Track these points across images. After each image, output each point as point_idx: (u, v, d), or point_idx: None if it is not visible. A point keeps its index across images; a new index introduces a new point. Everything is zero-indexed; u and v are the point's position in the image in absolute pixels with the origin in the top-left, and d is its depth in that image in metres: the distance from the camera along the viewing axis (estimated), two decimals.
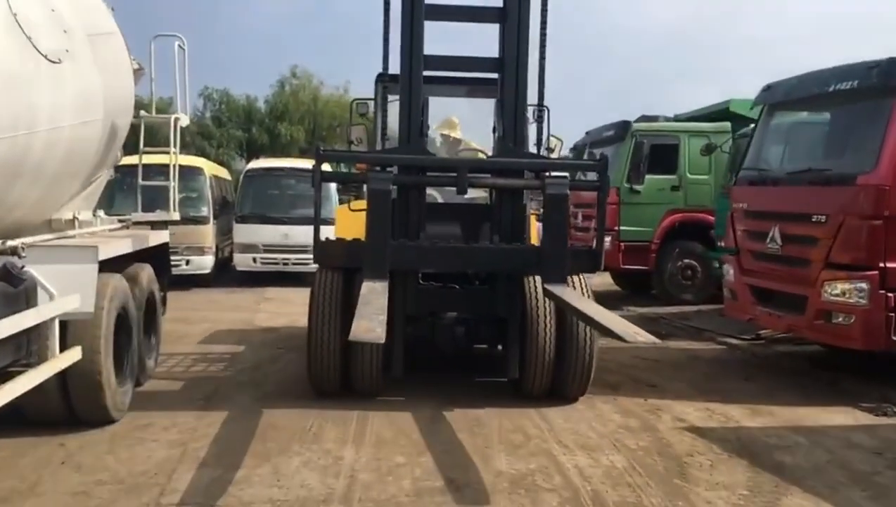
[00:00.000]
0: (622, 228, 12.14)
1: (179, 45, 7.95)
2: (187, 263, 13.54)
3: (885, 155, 6.33)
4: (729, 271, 8.16)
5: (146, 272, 6.59)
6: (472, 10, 6.26)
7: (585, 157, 13.78)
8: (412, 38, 5.79)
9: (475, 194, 6.68)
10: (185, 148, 39.11)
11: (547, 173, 6.09)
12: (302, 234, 13.70)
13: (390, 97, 6.57)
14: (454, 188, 6.13)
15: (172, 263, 12.85)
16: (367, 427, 5.45)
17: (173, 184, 7.69)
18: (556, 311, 5.92)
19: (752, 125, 11.69)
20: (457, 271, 6.16)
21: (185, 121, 8.24)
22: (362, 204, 6.38)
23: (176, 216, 7.75)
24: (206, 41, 70.60)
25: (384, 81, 6.50)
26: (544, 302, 5.89)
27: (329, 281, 5.91)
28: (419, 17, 5.82)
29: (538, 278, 5.90)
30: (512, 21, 5.90)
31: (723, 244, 11.30)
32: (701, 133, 12.23)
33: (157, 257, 7.05)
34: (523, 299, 5.96)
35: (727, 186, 11.36)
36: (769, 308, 7.43)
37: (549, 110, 6.47)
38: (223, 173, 17.84)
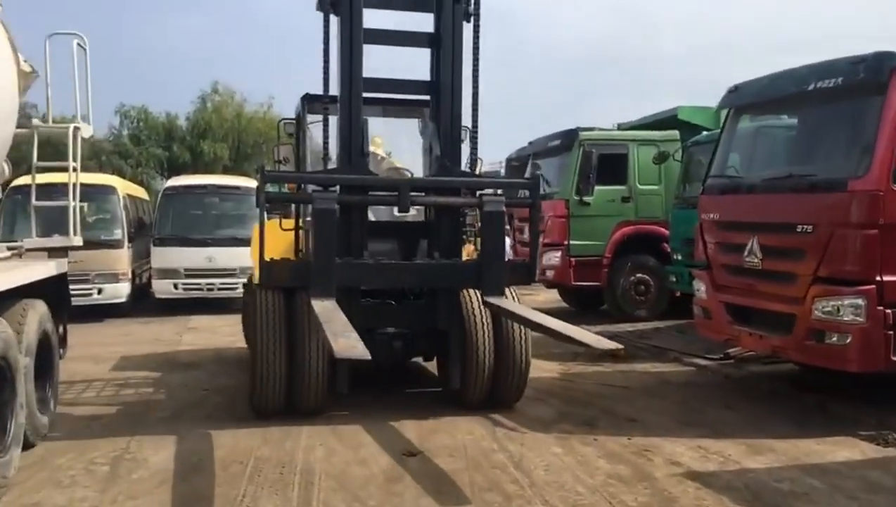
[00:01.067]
0: (572, 242, 11.50)
1: (79, 45, 6.91)
2: (99, 291, 12.28)
3: (878, 158, 5.76)
4: (700, 288, 7.52)
5: (37, 310, 5.48)
6: (409, 35, 6.44)
7: (528, 169, 13.16)
8: (351, 61, 5.90)
9: (406, 213, 6.62)
10: (102, 168, 37.46)
11: (482, 191, 6.31)
12: (227, 256, 12.71)
13: (311, 117, 6.91)
14: (386, 207, 6.51)
15: (82, 292, 11.83)
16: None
17: (74, 204, 6.62)
18: (492, 322, 6.21)
19: (705, 132, 11.37)
20: (399, 287, 6.33)
21: (87, 131, 7.17)
22: (291, 223, 6.85)
23: (78, 241, 6.66)
24: (119, 57, 68.25)
25: (309, 102, 6.79)
26: (482, 314, 6.18)
27: (271, 302, 5.87)
28: (358, 41, 5.93)
29: (473, 292, 6.22)
30: (446, 46, 6.12)
31: (678, 257, 10.86)
32: (650, 142, 11.73)
33: (53, 289, 5.95)
34: (461, 311, 6.21)
35: (680, 197, 10.89)
36: (750, 328, 6.78)
37: (476, 131, 6.46)
38: (140, 193, 16.52)
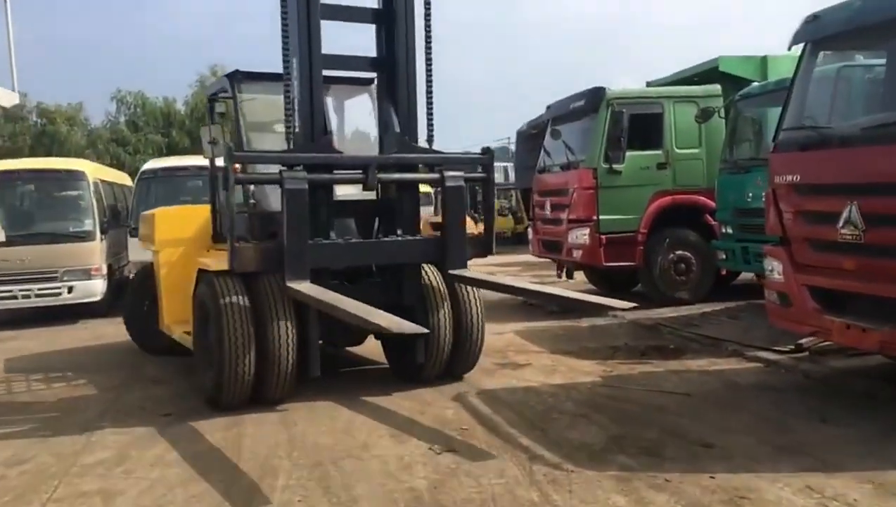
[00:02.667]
0: (602, 217, 10.03)
1: None
2: (69, 290, 10.95)
3: None
4: (774, 268, 6.06)
5: None
6: (364, 10, 6.38)
7: (546, 136, 11.70)
8: (310, 37, 5.84)
9: (350, 191, 6.64)
10: (99, 157, 36.23)
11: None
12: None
13: (243, 96, 6.74)
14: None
15: (49, 292, 10.49)
16: None
17: None
18: (449, 296, 6.38)
19: (755, 84, 9.86)
20: (362, 266, 6.30)
21: (7, 100, 5.74)
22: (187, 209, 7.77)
23: None
24: (115, 42, 66.89)
25: (240, 79, 6.72)
26: (441, 288, 6.36)
27: (234, 289, 5.70)
28: (315, 17, 5.88)
29: (429, 267, 6.41)
30: (400, 21, 6.17)
31: (727, 231, 9.40)
32: (689, 98, 10.22)
33: None
34: (422, 287, 6.28)
35: (728, 160, 9.41)
36: (847, 318, 5.33)
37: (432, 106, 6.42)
38: (119, 178, 15.11)
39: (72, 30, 65.22)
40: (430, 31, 6.23)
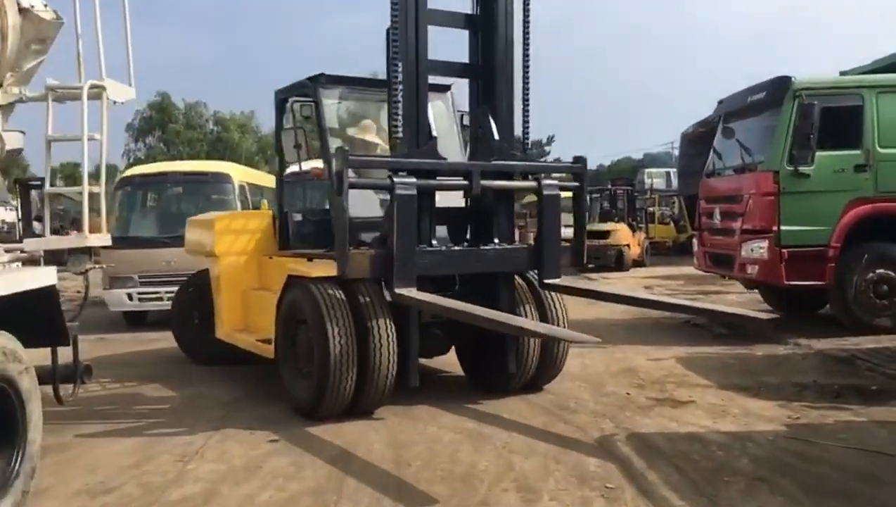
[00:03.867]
0: (784, 227, 8.57)
1: None
2: None
3: None
4: None
5: None
6: (464, 16, 6.29)
7: (718, 135, 10.35)
8: (417, 42, 5.78)
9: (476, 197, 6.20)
10: (269, 162, 37.64)
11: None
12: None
13: (326, 101, 6.50)
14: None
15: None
16: None
17: (88, 190, 4.83)
18: (537, 305, 6.31)
19: None
20: (463, 274, 6.15)
21: (122, 93, 5.37)
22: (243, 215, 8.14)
23: (98, 240, 4.91)
24: (285, 51, 70.05)
25: (324, 83, 6.43)
26: (530, 298, 6.31)
27: (336, 297, 5.58)
28: (424, 22, 5.85)
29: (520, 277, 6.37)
30: (500, 27, 6.12)
31: None
32: None
33: (28, 311, 4.12)
34: (514, 297, 6.18)
35: None
36: None
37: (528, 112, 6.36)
38: (266, 181, 15.11)
39: (247, 39, 68.92)
40: (528, 38, 6.12)
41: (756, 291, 10.68)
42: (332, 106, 6.71)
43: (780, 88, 8.86)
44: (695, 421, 5.56)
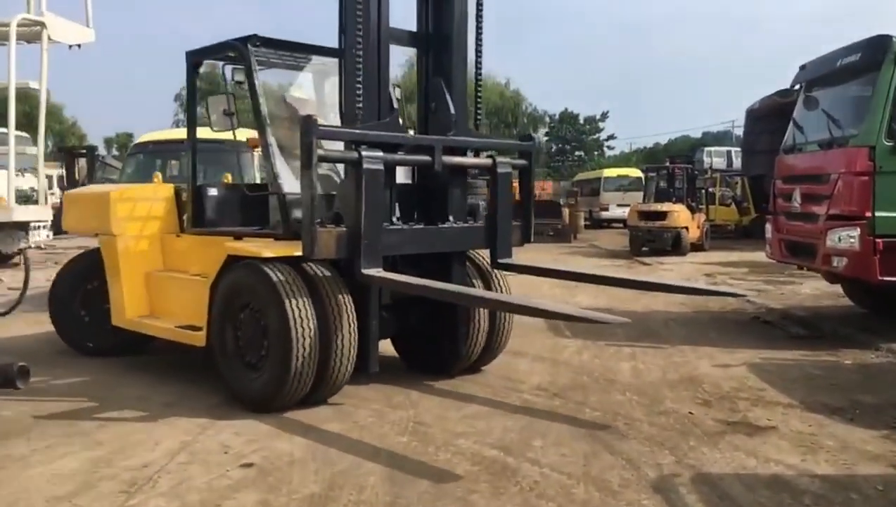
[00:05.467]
0: (879, 213, 7.24)
1: None
2: None
3: None
4: None
5: None
6: None
7: (798, 106, 9.02)
8: (380, 9, 5.47)
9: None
10: None
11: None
12: None
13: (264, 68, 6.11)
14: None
15: None
16: None
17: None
18: (483, 285, 6.21)
19: None
20: (423, 253, 5.82)
21: (72, 35, 4.41)
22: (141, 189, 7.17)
23: (30, 212, 3.99)
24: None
25: (256, 45, 5.90)
26: (478, 276, 6.23)
27: (294, 279, 5.13)
28: None
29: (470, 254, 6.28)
30: None
31: None
32: None
33: None
34: (465, 275, 6.09)
35: None
36: None
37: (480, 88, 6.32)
38: None
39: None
40: (481, 8, 5.88)
41: (839, 285, 9.34)
42: (265, 71, 6.19)
43: (878, 49, 7.47)
44: (778, 457, 4.38)
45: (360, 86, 5.24)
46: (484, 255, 6.34)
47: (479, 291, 5.92)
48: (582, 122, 60.51)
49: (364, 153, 5.14)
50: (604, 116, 60.93)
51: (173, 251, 6.59)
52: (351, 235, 5.18)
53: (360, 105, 5.26)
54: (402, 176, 5.99)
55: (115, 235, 6.50)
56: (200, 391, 5.75)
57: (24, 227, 4.01)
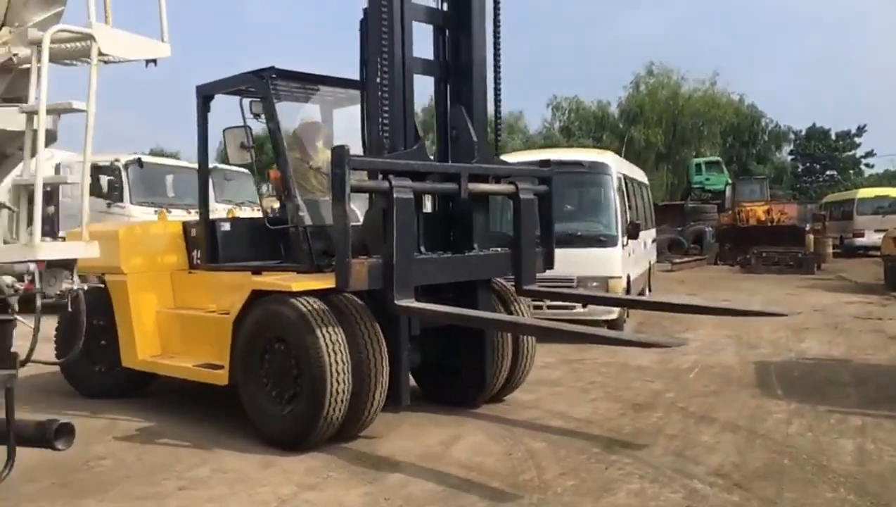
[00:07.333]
0: None
1: None
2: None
3: None
4: None
5: None
6: (443, 14, 5.92)
7: None
8: (404, 39, 5.48)
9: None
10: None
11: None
12: (563, 261, 8.93)
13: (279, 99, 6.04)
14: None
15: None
16: None
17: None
18: (504, 310, 6.16)
19: None
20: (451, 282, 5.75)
21: (153, 49, 3.99)
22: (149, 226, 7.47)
23: (73, 250, 3.53)
24: (552, 49, 69.21)
25: (274, 79, 5.85)
26: (502, 305, 6.18)
27: (326, 312, 5.00)
28: (409, 17, 5.57)
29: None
30: (477, 23, 5.84)
31: None
32: None
33: None
34: (491, 303, 6.05)
35: None
36: None
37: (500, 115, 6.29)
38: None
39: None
40: (499, 35, 5.99)
41: None
42: (282, 105, 6.16)
43: None
44: None
45: (387, 115, 5.27)
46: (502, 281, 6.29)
47: (515, 317, 5.96)
48: (834, 137, 54.42)
49: (395, 182, 5.08)
50: (860, 130, 54.13)
51: (185, 288, 6.43)
52: (383, 265, 5.11)
53: (387, 134, 5.28)
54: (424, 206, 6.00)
55: (124, 273, 6.34)
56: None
57: (69, 265, 3.55)
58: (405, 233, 5.13)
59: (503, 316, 5.85)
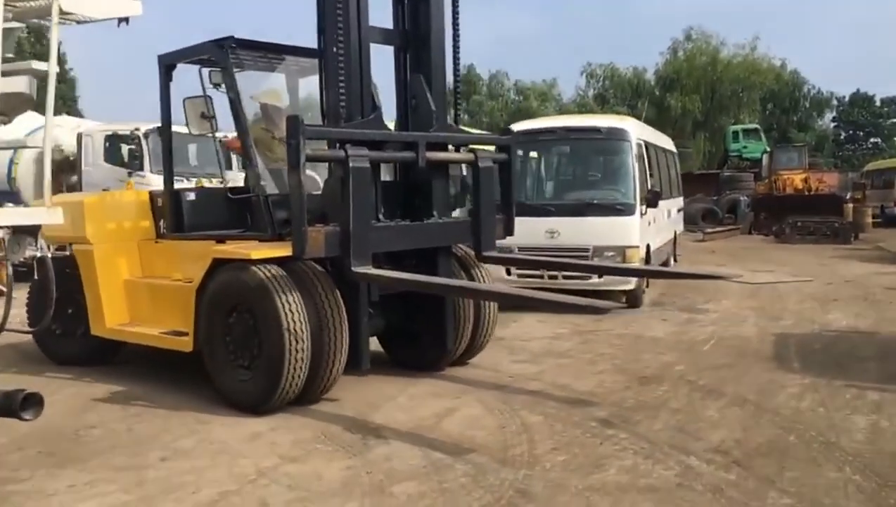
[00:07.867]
0: None
1: None
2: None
3: None
4: None
5: None
6: None
7: None
8: (359, 7, 5.47)
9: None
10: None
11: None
12: (574, 230, 8.76)
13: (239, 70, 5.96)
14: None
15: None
16: None
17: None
18: (467, 278, 6.26)
19: None
20: (410, 249, 5.83)
21: (126, 9, 3.83)
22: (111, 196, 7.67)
23: (38, 215, 3.45)
24: (588, 16, 67.73)
25: (232, 48, 5.78)
26: (459, 269, 6.25)
27: (285, 279, 5.10)
28: None
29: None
30: None
31: None
32: None
33: None
34: (452, 270, 6.12)
35: None
36: None
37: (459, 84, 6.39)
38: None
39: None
40: (457, 3, 5.97)
41: None
42: (245, 74, 6.19)
43: None
44: None
45: (343, 85, 5.28)
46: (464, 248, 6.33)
47: (472, 283, 6.08)
48: (878, 104, 52.63)
49: (350, 151, 5.09)
50: None
51: (152, 258, 6.46)
52: (340, 233, 5.14)
53: (344, 104, 5.30)
54: (384, 174, 6.01)
55: (90, 243, 6.32)
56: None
57: (33, 231, 3.45)
58: (362, 201, 5.16)
59: (459, 282, 5.91)
